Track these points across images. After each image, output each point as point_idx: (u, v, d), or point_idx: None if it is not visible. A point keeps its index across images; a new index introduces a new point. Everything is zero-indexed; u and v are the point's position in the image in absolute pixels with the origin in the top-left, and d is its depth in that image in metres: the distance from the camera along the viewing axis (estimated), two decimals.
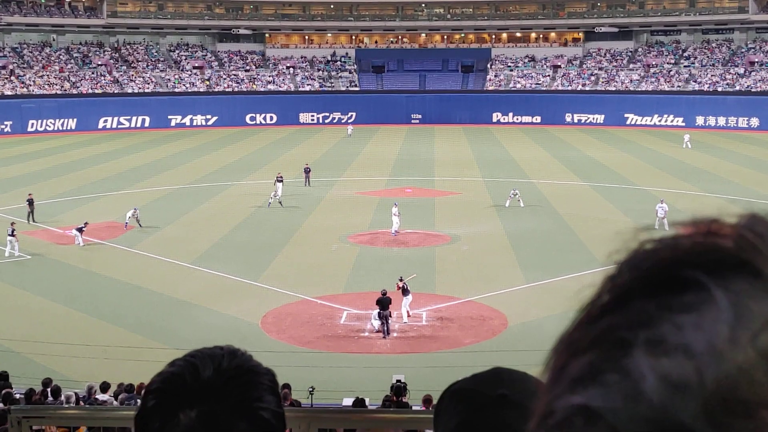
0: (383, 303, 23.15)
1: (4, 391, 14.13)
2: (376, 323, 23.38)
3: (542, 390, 0.59)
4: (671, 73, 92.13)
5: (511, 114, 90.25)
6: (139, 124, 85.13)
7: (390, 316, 23.35)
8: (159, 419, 1.28)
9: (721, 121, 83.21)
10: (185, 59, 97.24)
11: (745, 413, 0.49)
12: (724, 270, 0.54)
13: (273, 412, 1.32)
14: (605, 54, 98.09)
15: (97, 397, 15.25)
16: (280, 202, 41.39)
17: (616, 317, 0.56)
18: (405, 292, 24.55)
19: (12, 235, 32.04)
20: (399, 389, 15.62)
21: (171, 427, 1.26)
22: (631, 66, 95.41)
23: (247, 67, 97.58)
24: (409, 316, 24.48)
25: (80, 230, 33.67)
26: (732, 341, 0.51)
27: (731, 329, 0.51)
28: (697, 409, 0.49)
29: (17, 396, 14.47)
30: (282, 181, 43.79)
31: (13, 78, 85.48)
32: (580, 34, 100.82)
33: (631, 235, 0.61)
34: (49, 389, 14.99)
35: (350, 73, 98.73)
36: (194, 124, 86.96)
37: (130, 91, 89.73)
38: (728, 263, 0.55)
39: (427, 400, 14.11)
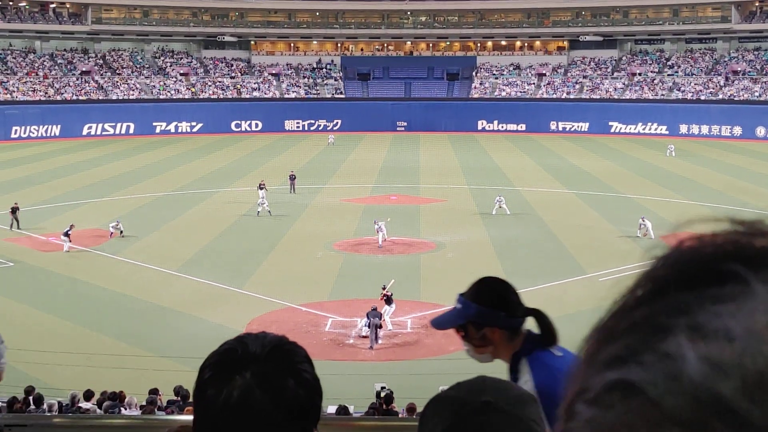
0: (374, 314, 23.16)
1: None
2: (365, 329, 23.37)
3: (574, 374, 0.59)
4: (655, 81, 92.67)
5: (496, 122, 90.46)
6: (123, 131, 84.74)
7: (380, 327, 23.37)
8: (217, 386, 1.48)
9: (705, 129, 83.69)
10: (170, 66, 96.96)
11: None
12: (762, 265, 0.56)
13: (312, 375, 1.55)
14: (589, 62, 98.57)
15: (80, 405, 15.14)
16: (269, 211, 41.00)
17: (653, 307, 0.57)
18: (389, 301, 24.55)
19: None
20: (389, 397, 15.57)
21: (229, 389, 1.46)
22: (615, 74, 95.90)
23: (233, 74, 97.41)
24: (391, 324, 24.49)
25: (67, 234, 33.39)
26: None
27: None
28: (736, 385, 0.51)
29: None
30: (264, 187, 42.89)
31: None
32: (564, 42, 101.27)
33: (676, 229, 0.64)
34: (31, 397, 14.87)
35: (336, 80, 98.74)
36: (179, 131, 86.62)
37: (114, 97, 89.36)
38: (766, 259, 0.57)
39: (410, 409, 14.07)
